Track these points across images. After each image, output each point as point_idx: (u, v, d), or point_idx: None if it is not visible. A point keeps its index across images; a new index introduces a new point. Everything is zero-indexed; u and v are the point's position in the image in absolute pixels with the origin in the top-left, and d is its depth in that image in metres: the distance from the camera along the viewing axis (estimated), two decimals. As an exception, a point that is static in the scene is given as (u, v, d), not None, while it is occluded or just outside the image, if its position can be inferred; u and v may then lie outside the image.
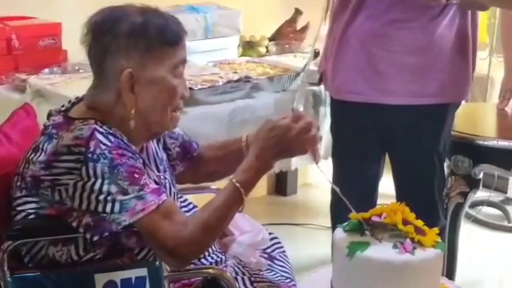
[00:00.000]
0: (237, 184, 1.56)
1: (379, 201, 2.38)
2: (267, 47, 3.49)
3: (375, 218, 1.57)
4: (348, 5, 2.20)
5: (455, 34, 2.16)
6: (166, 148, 1.82)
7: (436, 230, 1.58)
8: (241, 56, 3.36)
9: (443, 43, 2.14)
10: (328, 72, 2.34)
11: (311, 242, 3.34)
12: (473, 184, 2.67)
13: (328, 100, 3.00)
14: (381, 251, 1.51)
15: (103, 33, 1.55)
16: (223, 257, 1.80)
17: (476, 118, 2.39)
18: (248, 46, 3.43)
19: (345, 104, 2.28)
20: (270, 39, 3.57)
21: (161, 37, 1.56)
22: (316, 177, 3.99)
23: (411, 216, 1.59)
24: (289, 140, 1.57)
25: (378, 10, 2.12)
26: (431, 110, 2.19)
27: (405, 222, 1.56)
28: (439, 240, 1.57)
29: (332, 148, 2.46)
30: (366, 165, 2.34)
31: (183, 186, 1.98)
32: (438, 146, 2.26)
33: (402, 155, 2.30)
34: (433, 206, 2.29)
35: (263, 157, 1.58)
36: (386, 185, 2.42)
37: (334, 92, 2.35)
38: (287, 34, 3.61)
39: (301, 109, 1.68)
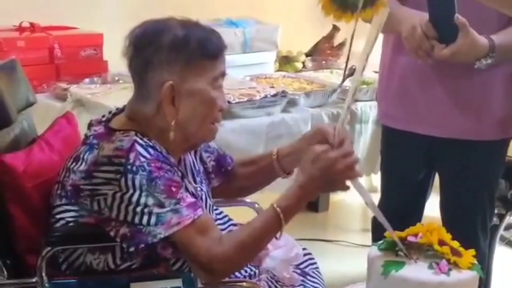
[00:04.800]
0: (278, 209, 1.56)
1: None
2: (303, 63, 3.51)
3: (411, 238, 1.56)
4: (388, 40, 2.18)
5: (505, 72, 2.06)
6: (202, 162, 1.83)
7: (472, 251, 1.57)
8: (277, 70, 3.38)
9: (487, 81, 2.05)
10: (378, 94, 2.34)
11: (342, 259, 3.32)
12: (509, 206, 2.64)
13: (363, 118, 3.02)
14: (416, 271, 1.50)
15: (145, 45, 1.57)
16: (257, 270, 1.81)
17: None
18: (285, 61, 3.45)
19: (389, 128, 2.26)
20: (307, 55, 3.59)
21: (202, 50, 1.58)
22: (347, 194, 3.97)
23: (447, 237, 1.57)
24: (334, 173, 1.56)
25: None
26: (474, 145, 2.12)
27: (441, 242, 1.55)
28: (475, 262, 1.56)
29: (380, 164, 2.43)
30: (411, 184, 2.29)
31: (218, 198, 1.99)
32: (486, 180, 2.20)
33: (447, 183, 2.25)
34: (474, 237, 2.22)
35: (308, 187, 1.58)
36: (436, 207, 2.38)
37: (380, 116, 2.34)
38: (324, 50, 3.63)
39: (347, 127, 1.66)
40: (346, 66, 1.67)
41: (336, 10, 1.51)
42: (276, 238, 1.60)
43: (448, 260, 1.51)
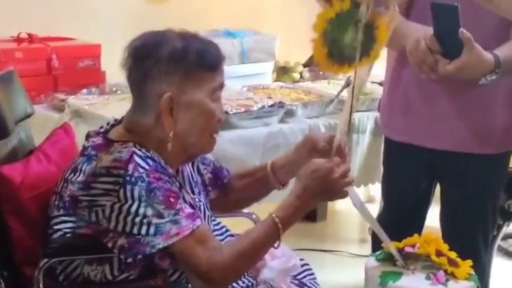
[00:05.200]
0: (276, 219, 1.58)
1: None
2: (301, 73, 3.51)
3: (408, 249, 1.57)
4: (392, 53, 2.18)
5: (507, 86, 2.04)
6: (199, 174, 1.83)
7: (469, 262, 1.57)
8: (275, 81, 3.38)
9: (489, 95, 2.03)
10: (381, 106, 2.34)
11: (340, 269, 3.31)
12: (507, 216, 2.64)
13: (361, 128, 3.03)
14: (414, 281, 1.51)
15: (144, 57, 1.58)
16: (254, 282, 1.80)
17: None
18: (282, 72, 3.46)
19: (392, 141, 2.26)
20: (305, 65, 3.59)
21: (201, 62, 1.59)
22: (346, 204, 3.97)
23: (445, 248, 1.58)
24: (331, 182, 1.59)
25: None
26: (477, 158, 2.10)
27: (439, 253, 1.55)
28: (473, 272, 1.56)
29: (382, 175, 2.43)
30: (413, 195, 2.27)
31: (216, 211, 1.99)
32: (488, 192, 2.18)
33: (449, 195, 2.25)
34: (476, 249, 2.22)
35: (304, 197, 1.60)
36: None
37: (383, 128, 2.34)
38: (321, 61, 3.62)
39: (344, 138, 1.68)
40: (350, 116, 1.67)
41: (333, 65, 1.56)
42: (274, 247, 1.61)
43: (446, 271, 1.52)
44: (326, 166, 1.59)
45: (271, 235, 1.58)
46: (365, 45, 1.56)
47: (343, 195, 1.62)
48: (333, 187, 1.59)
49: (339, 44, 1.55)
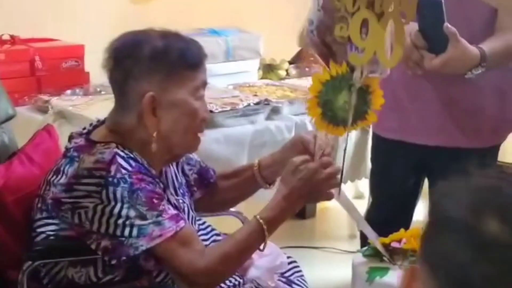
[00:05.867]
0: (261, 221, 1.56)
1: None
2: (287, 70, 3.50)
3: (395, 244, 1.56)
4: None
5: (495, 79, 2.03)
6: (184, 175, 1.82)
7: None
8: (261, 79, 3.37)
9: (478, 89, 2.02)
10: None
11: (329, 266, 3.31)
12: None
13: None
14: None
15: (125, 57, 1.57)
16: (241, 280, 1.79)
17: (507, 144, 2.34)
18: (268, 69, 3.45)
19: (381, 138, 2.25)
20: (290, 62, 3.58)
21: (182, 61, 1.57)
22: (334, 201, 3.97)
23: (431, 242, 1.57)
24: (316, 183, 1.56)
25: None
26: (466, 153, 2.08)
27: (425, 248, 1.55)
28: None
29: (371, 172, 2.43)
30: (402, 192, 2.27)
31: (202, 212, 1.97)
32: None
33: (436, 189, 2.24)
34: None
35: (290, 198, 1.58)
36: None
37: (372, 125, 2.33)
38: (307, 58, 3.62)
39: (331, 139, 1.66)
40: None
41: (328, 125, 1.55)
42: (260, 249, 1.60)
43: (432, 266, 1.51)
44: (312, 167, 1.56)
45: (256, 237, 1.57)
46: (359, 109, 1.57)
47: (328, 197, 1.60)
48: (318, 188, 1.58)
49: (332, 106, 1.55)
